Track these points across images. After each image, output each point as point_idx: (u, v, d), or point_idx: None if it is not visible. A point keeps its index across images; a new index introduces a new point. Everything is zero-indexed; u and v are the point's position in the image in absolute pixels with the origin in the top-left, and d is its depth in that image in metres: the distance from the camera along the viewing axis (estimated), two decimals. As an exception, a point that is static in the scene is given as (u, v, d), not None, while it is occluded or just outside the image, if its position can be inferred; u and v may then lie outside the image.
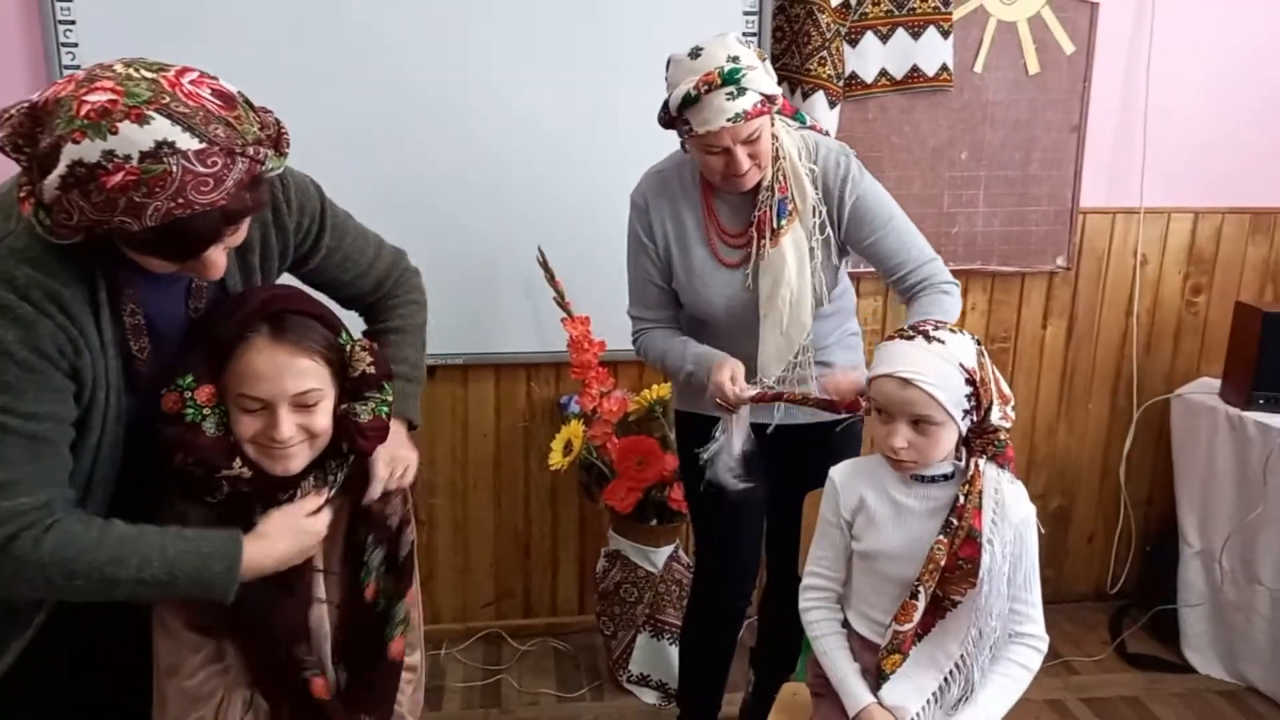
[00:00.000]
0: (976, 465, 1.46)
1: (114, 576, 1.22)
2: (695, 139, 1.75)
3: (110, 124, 1.06)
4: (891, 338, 1.50)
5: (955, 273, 1.92)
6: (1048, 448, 3.03)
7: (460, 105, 2.50)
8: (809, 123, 1.99)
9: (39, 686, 1.37)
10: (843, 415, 1.75)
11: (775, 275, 1.84)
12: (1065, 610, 3.01)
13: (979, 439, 1.47)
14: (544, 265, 2.52)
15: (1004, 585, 1.45)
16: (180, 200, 1.09)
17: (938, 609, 1.47)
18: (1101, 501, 3.09)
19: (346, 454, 1.40)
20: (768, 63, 1.76)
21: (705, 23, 2.44)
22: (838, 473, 1.60)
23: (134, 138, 1.06)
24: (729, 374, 1.79)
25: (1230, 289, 2.96)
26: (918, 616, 1.47)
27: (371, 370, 1.39)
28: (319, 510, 1.36)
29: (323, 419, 1.34)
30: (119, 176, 1.06)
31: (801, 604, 1.62)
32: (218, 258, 1.22)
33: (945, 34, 2.64)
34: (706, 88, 1.67)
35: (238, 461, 1.32)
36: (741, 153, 1.74)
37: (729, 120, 1.69)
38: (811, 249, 1.85)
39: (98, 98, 1.07)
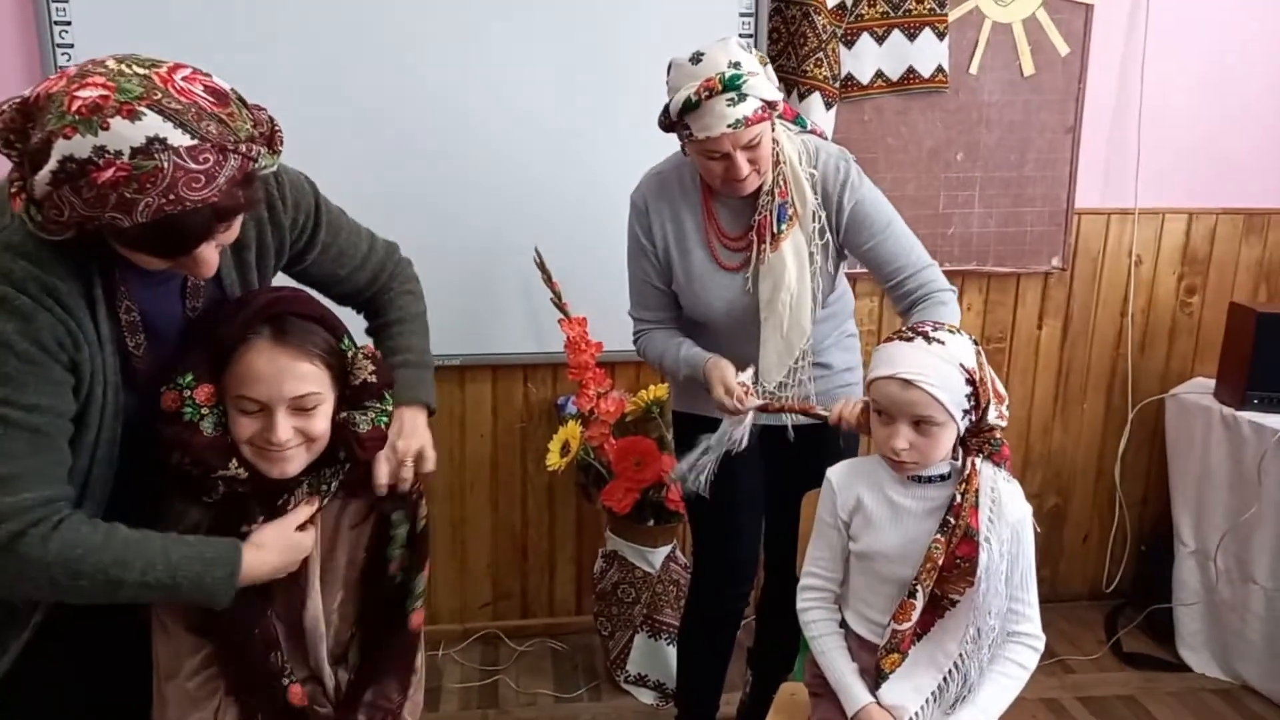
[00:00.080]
0: (973, 464, 1.47)
1: (119, 579, 1.22)
2: (695, 144, 1.75)
3: (102, 119, 1.06)
4: (890, 339, 1.51)
5: (951, 273, 1.93)
6: (1043, 447, 3.04)
7: (458, 105, 2.49)
8: (810, 126, 1.99)
9: (39, 688, 1.36)
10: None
11: (775, 280, 1.85)
12: (1061, 609, 3.02)
13: (975, 438, 1.48)
14: (541, 266, 2.52)
15: (1002, 584, 1.46)
16: (171, 197, 1.08)
17: (936, 608, 1.48)
18: (1097, 501, 3.10)
19: (343, 461, 1.40)
20: (769, 68, 1.76)
21: (702, 24, 2.46)
22: (835, 473, 1.60)
23: (125, 133, 1.06)
24: (723, 388, 1.81)
25: (1224, 289, 2.98)
26: (916, 616, 1.47)
27: (373, 379, 1.39)
28: (308, 524, 1.37)
29: (321, 423, 1.34)
30: (110, 172, 1.06)
31: (799, 604, 1.63)
32: (210, 255, 1.21)
33: (941, 35, 2.65)
34: (707, 93, 1.67)
35: (234, 462, 1.32)
36: (741, 158, 1.74)
37: (729, 126, 1.69)
38: (811, 254, 1.86)
39: (89, 93, 1.07)
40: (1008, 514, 1.47)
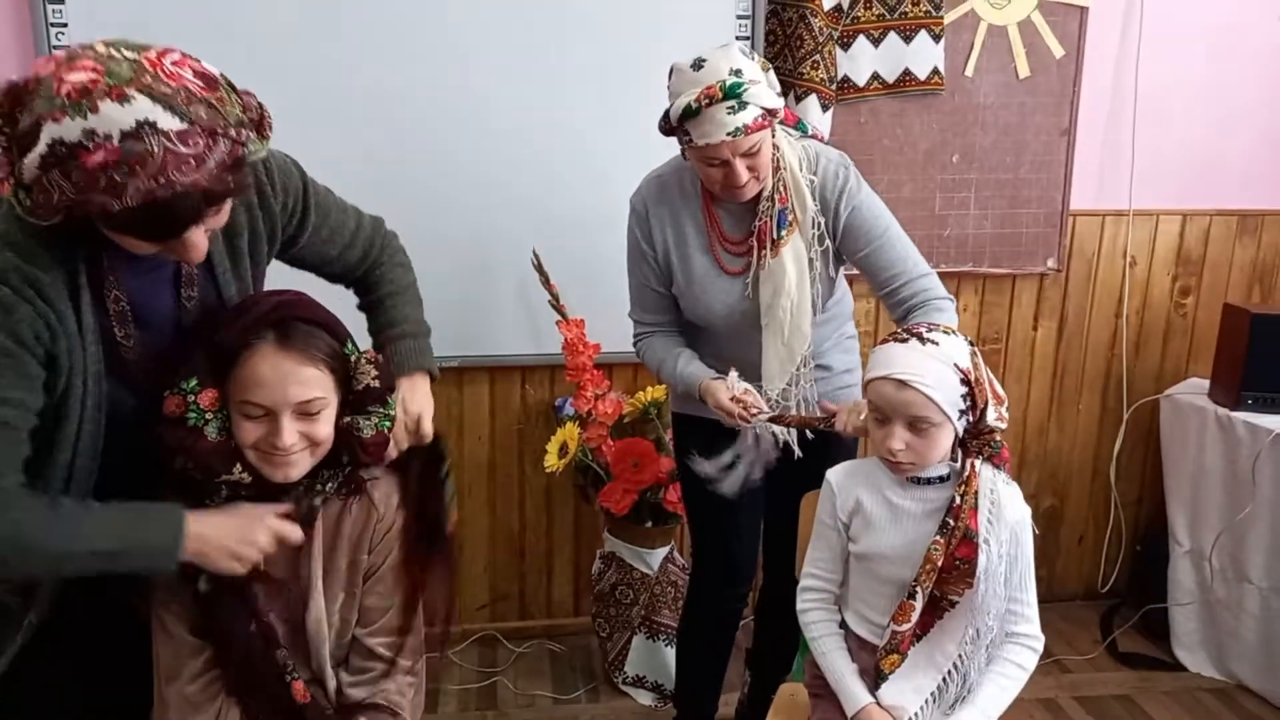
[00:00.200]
0: (972, 466, 1.47)
1: (67, 551, 1.22)
2: (695, 150, 1.75)
3: (91, 103, 1.05)
4: (885, 341, 1.52)
5: (946, 275, 1.94)
6: (1038, 448, 3.05)
7: (458, 106, 2.49)
8: (810, 131, 1.99)
9: (37, 689, 1.36)
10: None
11: (775, 285, 1.85)
12: (1057, 609, 3.03)
13: (975, 440, 1.48)
14: (539, 267, 2.53)
15: (1001, 585, 1.47)
16: (161, 180, 1.08)
17: (935, 609, 1.48)
18: (1092, 501, 3.11)
19: (344, 464, 1.40)
20: (771, 74, 1.75)
21: (700, 26, 2.47)
22: (834, 475, 1.61)
23: (115, 117, 1.06)
24: (723, 412, 1.82)
25: (1218, 290, 2.99)
26: (915, 617, 1.48)
27: (375, 384, 1.39)
28: (287, 517, 1.37)
29: (325, 427, 1.34)
30: (99, 155, 1.05)
31: (799, 605, 1.64)
32: (199, 239, 1.20)
33: (936, 38, 2.66)
34: (707, 101, 1.67)
35: (238, 467, 1.32)
36: (740, 165, 1.74)
37: (729, 134, 1.68)
38: (811, 260, 1.86)
39: (78, 77, 1.07)
40: (1007, 516, 1.48)
